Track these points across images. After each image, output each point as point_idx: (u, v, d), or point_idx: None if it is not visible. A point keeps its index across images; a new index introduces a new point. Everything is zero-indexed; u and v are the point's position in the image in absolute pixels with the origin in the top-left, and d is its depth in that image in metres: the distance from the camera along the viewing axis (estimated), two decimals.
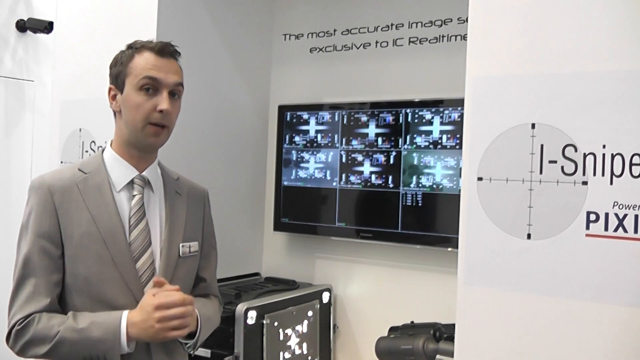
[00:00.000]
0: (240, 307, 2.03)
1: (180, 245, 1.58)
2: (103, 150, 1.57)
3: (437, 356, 1.89)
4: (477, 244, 1.57)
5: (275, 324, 2.15)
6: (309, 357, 2.33)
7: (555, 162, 1.49)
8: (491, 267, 1.55)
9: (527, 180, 1.52)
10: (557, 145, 1.48)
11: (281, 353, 2.18)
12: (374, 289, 2.41)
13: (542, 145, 1.50)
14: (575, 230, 1.46)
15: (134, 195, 1.52)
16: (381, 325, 2.37)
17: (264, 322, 2.09)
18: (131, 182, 1.53)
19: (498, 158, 1.55)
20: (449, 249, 2.19)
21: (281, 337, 2.18)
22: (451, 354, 1.82)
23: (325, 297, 2.41)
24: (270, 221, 2.60)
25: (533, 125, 1.51)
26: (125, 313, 1.41)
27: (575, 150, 1.46)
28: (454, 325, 2.01)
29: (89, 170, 1.52)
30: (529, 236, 1.51)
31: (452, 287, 2.23)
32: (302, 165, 2.47)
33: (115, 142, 1.56)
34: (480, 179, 1.57)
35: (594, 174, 1.44)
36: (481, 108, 1.57)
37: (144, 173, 1.55)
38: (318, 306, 2.37)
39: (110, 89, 1.54)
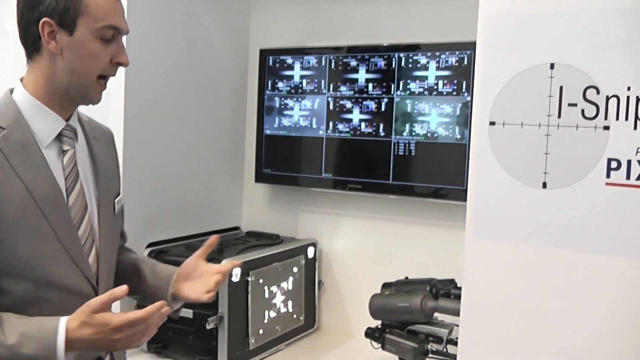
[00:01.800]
0: (224, 263, 1.89)
1: (115, 201, 1.40)
2: (11, 93, 1.28)
3: (435, 314, 1.79)
4: (488, 194, 1.45)
5: (260, 281, 2.02)
6: (294, 315, 2.22)
7: (575, 105, 1.37)
8: (503, 219, 1.44)
9: (544, 124, 1.40)
10: (578, 87, 1.36)
11: (266, 312, 2.06)
12: (361, 243, 2.30)
13: (561, 87, 1.38)
14: (594, 178, 1.35)
15: (64, 151, 1.28)
16: (368, 281, 2.26)
17: (249, 279, 1.97)
18: (59, 135, 1.28)
19: (512, 101, 1.42)
20: (443, 201, 2.08)
21: (266, 295, 2.06)
22: (451, 312, 1.73)
23: (310, 252, 2.29)
24: (250, 172, 2.45)
25: (552, 66, 1.38)
26: (63, 324, 1.15)
27: (597, 92, 1.34)
28: (450, 280, 1.93)
29: (6, 124, 1.22)
30: (544, 185, 1.40)
31: (446, 240, 2.15)
32: (285, 113, 2.32)
33: (39, 86, 1.26)
34: (492, 123, 1.44)
35: (617, 118, 1.33)
36: (494, 48, 1.44)
37: (70, 122, 1.31)
38: (303, 262, 2.25)
39: (45, 23, 1.22)
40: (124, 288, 1.18)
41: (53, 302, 1.23)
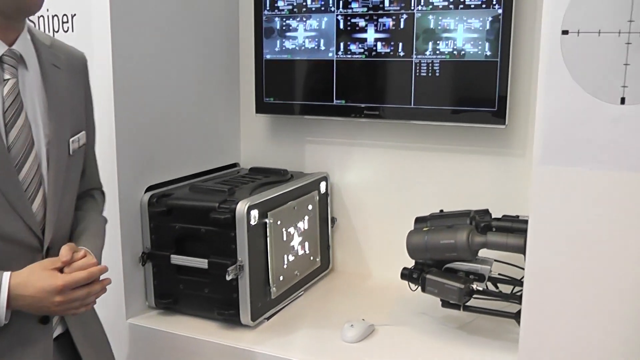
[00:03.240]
0: (241, 207, 1.69)
1: (70, 140, 1.22)
2: None
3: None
4: (559, 113, 1.27)
5: (279, 222, 1.83)
6: (311, 257, 2.04)
7: None
8: (575, 141, 1.27)
9: (625, 31, 1.22)
10: None
11: (285, 256, 1.88)
12: (378, 175, 2.12)
13: None
14: None
15: (5, 80, 1.13)
16: (385, 216, 2.11)
17: (268, 221, 1.77)
18: None
19: (588, 6, 1.23)
20: (472, 125, 1.90)
21: (284, 237, 1.87)
22: (502, 247, 1.58)
23: (322, 187, 2.10)
24: (247, 103, 2.21)
25: None
26: (6, 280, 1.09)
27: None
28: (485, 211, 1.77)
29: None
30: (622, 100, 1.23)
31: (476, 168, 1.98)
32: (288, 34, 2.07)
33: None
34: (565, 32, 1.25)
35: None
36: None
37: (14, 47, 1.15)
38: (317, 198, 2.06)
39: None
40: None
41: None
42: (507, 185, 1.93)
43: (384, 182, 2.11)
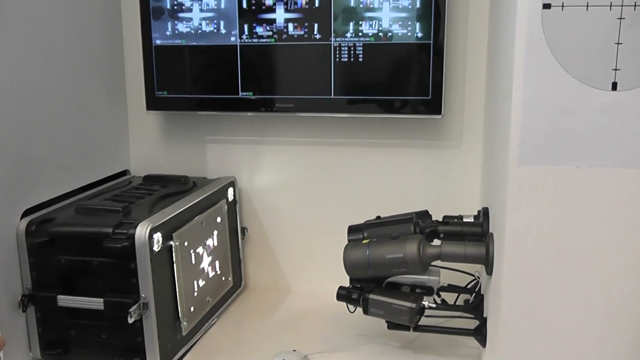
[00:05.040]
0: (141, 230, 1.35)
1: None
2: None
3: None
4: (541, 102, 1.07)
5: (186, 243, 1.51)
6: (223, 277, 1.74)
7: None
8: (560, 135, 1.07)
9: (617, 4, 1.03)
10: None
11: (195, 282, 1.56)
12: (293, 176, 1.84)
13: None
14: None
15: None
16: (303, 223, 1.86)
17: (174, 244, 1.45)
18: None
19: None
20: (402, 116, 1.68)
21: (193, 260, 1.55)
22: (461, 259, 1.37)
23: (230, 194, 1.80)
24: (136, 98, 1.85)
25: None
26: None
27: None
28: (424, 212, 1.56)
29: None
30: (614, 86, 1.04)
31: (409, 164, 1.75)
32: (180, 15, 1.73)
33: None
34: (547, 6, 1.04)
35: None
36: None
37: None
38: (225, 208, 1.75)
39: None
40: None
41: None
42: (444, 181, 1.74)
43: (301, 184, 1.84)
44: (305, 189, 1.84)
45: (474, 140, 1.70)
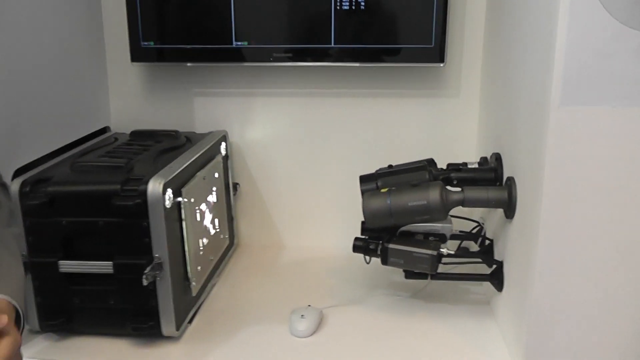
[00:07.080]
0: (154, 186, 1.27)
1: None
2: None
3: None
4: (581, 45, 1.05)
5: (192, 200, 1.44)
6: (221, 235, 1.68)
7: None
8: (598, 76, 1.06)
9: None
10: None
11: (200, 241, 1.50)
12: (287, 129, 1.79)
13: None
14: None
15: None
16: (297, 177, 1.82)
17: (182, 200, 1.37)
18: None
19: None
20: (405, 65, 1.64)
21: (198, 218, 1.49)
22: (484, 203, 1.36)
23: (223, 148, 1.73)
24: (117, 49, 1.74)
25: None
26: None
27: None
28: (431, 161, 1.54)
29: None
30: None
31: (409, 114, 1.71)
32: None
33: None
34: None
35: None
36: None
37: None
38: (221, 163, 1.69)
39: None
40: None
41: None
42: (442, 130, 1.72)
43: (295, 136, 1.79)
44: (300, 143, 1.79)
45: (472, 89, 1.69)
